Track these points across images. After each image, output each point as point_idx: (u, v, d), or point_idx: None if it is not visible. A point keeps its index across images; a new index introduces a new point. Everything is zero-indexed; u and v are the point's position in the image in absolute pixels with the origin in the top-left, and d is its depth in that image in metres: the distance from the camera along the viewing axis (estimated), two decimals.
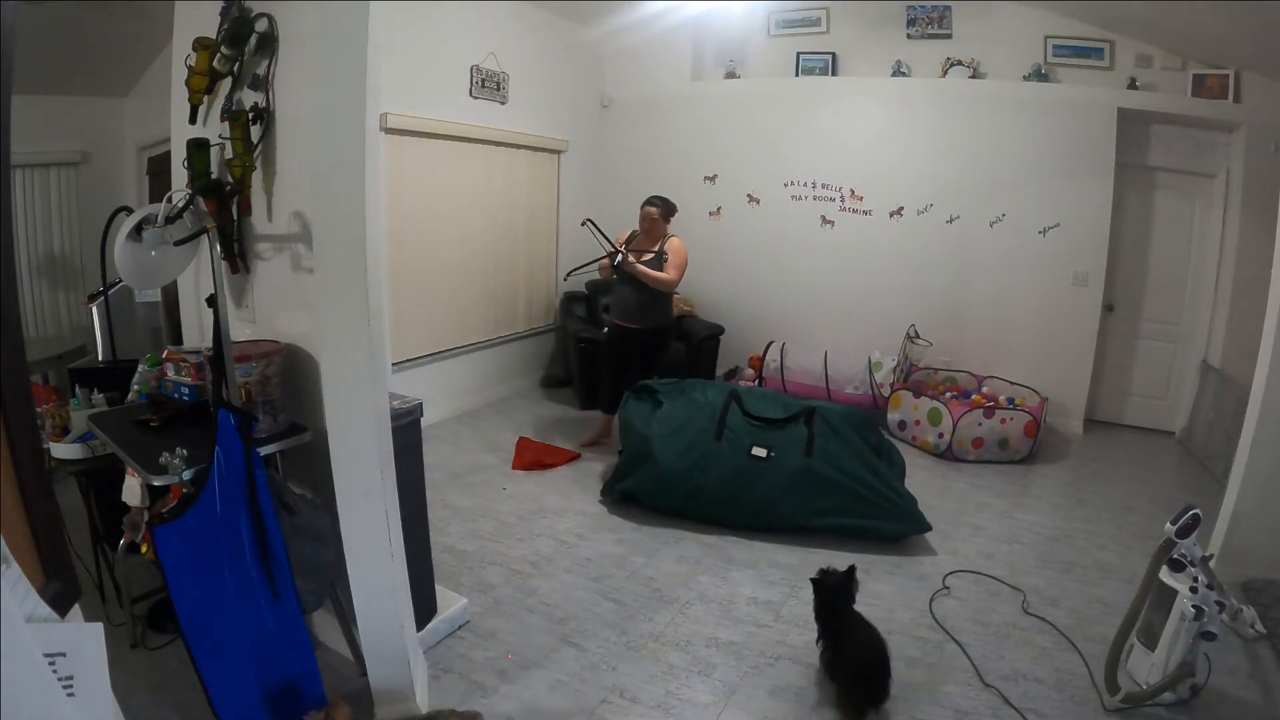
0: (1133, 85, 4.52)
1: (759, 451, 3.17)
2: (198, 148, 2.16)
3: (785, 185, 5.41)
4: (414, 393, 2.28)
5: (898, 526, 3.06)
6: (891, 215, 5.14)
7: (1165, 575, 2.17)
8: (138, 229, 1.88)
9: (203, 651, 1.71)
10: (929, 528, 3.07)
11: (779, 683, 2.23)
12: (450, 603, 2.47)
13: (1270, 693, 2.22)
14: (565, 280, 4.68)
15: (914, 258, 5.10)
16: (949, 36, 4.96)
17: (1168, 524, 2.08)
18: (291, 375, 2.06)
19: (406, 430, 2.12)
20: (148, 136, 4.36)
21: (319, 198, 1.74)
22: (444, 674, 2.22)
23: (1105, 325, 4.87)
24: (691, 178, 5.66)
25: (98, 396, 2.48)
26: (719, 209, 5.66)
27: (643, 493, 3.36)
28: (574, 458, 4.11)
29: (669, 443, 3.25)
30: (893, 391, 4.63)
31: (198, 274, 2.50)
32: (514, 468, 3.98)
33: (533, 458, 4.05)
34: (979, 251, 4.95)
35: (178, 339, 3.01)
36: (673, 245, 4.01)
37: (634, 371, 3.99)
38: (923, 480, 3.78)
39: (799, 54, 5.36)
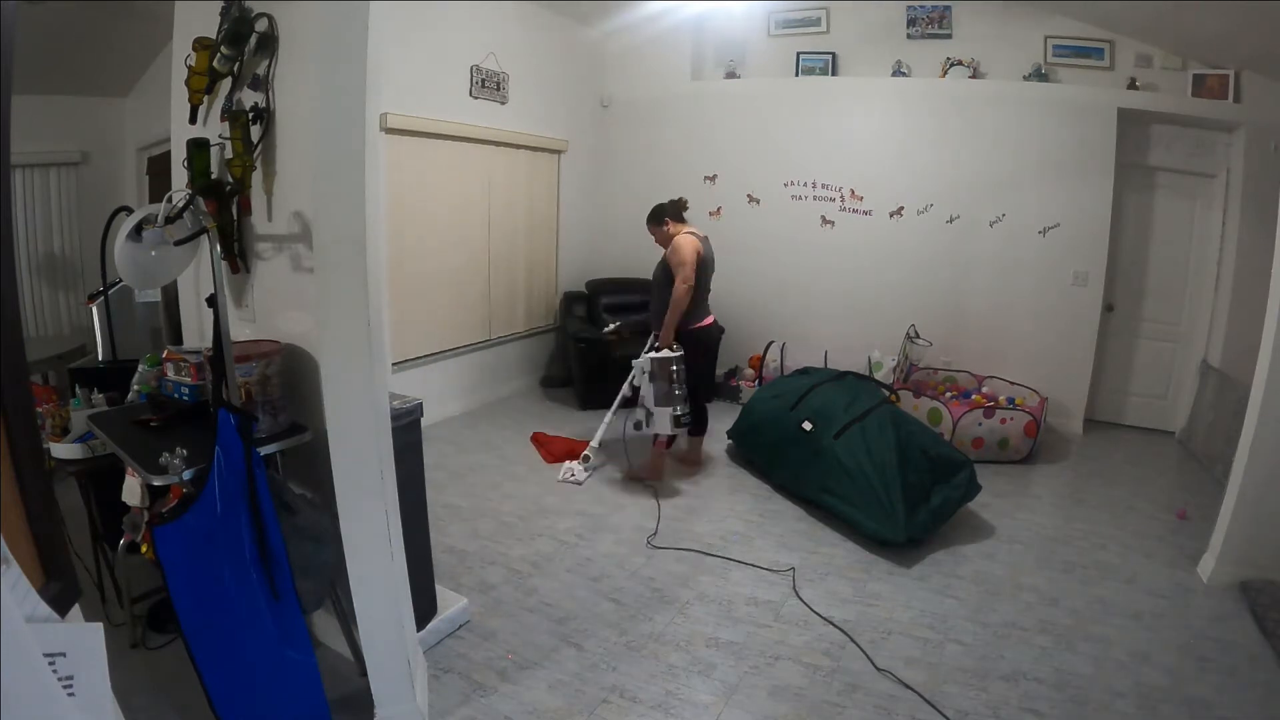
0: (1133, 85, 4.52)
1: (806, 425, 3.53)
2: (198, 148, 2.16)
3: (785, 185, 5.41)
4: (414, 393, 2.28)
5: (874, 525, 3.06)
6: (891, 215, 5.14)
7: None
8: (138, 229, 1.87)
9: (203, 651, 1.71)
10: (900, 540, 2.99)
11: (779, 683, 2.23)
12: (450, 603, 2.48)
13: (1271, 692, 2.22)
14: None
15: (914, 258, 5.10)
16: (949, 36, 4.96)
17: None
18: (291, 375, 2.06)
19: (406, 430, 2.12)
20: (148, 136, 4.37)
21: (319, 198, 1.74)
22: (444, 674, 2.22)
23: (1105, 325, 4.87)
24: (691, 178, 5.66)
25: (98, 396, 2.48)
26: (719, 209, 5.66)
27: (736, 435, 4.18)
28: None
29: (763, 404, 3.96)
30: (892, 391, 4.63)
31: (198, 274, 2.50)
32: (548, 462, 4.00)
33: (566, 449, 4.09)
34: (979, 251, 4.95)
35: (178, 339, 3.01)
36: (673, 246, 3.66)
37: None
38: None
39: (799, 54, 5.36)
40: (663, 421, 3.51)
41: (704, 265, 3.67)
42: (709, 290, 3.81)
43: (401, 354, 4.37)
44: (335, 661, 2.21)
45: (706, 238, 3.79)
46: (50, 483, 1.05)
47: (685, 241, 3.63)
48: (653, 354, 3.55)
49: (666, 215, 3.78)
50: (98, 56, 4.07)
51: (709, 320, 3.82)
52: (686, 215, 3.87)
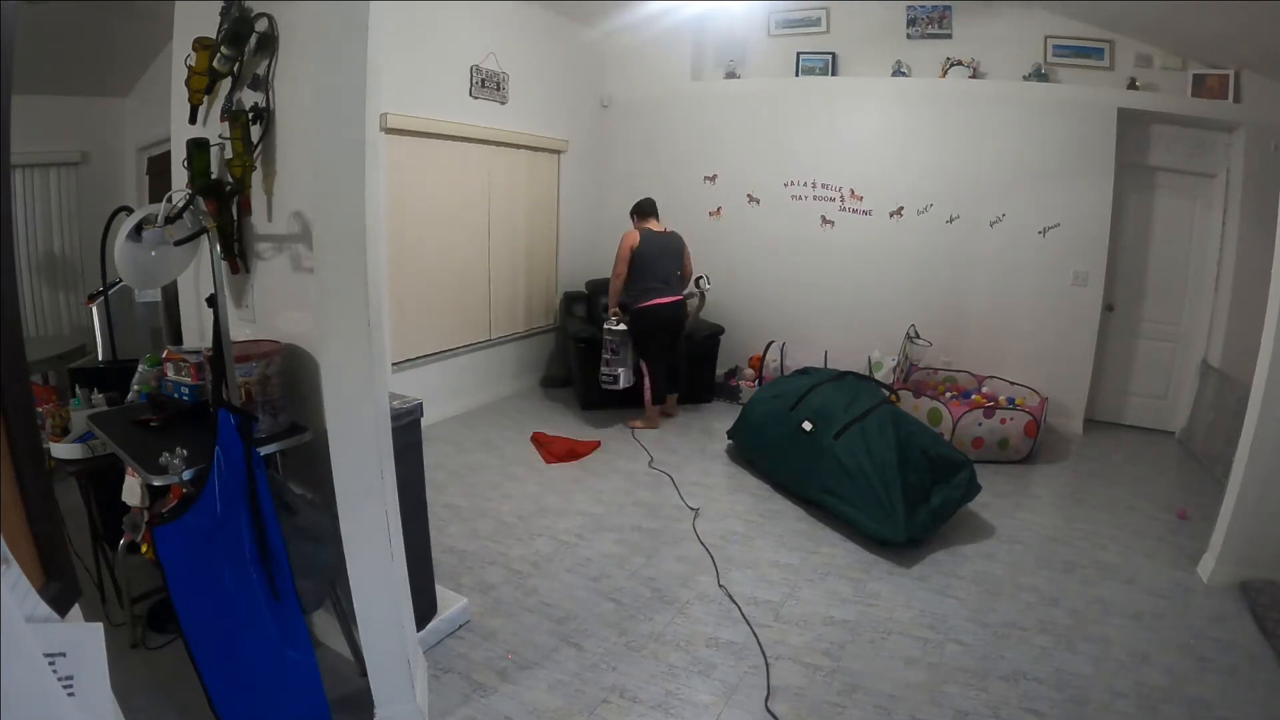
0: (1133, 85, 4.52)
1: (806, 425, 3.53)
2: (198, 148, 2.16)
3: (785, 185, 5.41)
4: (414, 393, 2.28)
5: (874, 525, 3.06)
6: (891, 215, 5.14)
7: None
8: (138, 229, 1.87)
9: (203, 651, 1.71)
10: (900, 540, 2.99)
11: (779, 683, 2.23)
12: (450, 603, 2.48)
13: (1271, 692, 2.22)
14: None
15: (914, 258, 5.10)
16: (949, 36, 4.96)
17: None
18: (291, 375, 2.06)
19: (406, 430, 2.12)
20: (148, 136, 4.37)
21: (319, 198, 1.74)
22: (444, 674, 2.22)
23: (1105, 325, 4.87)
24: (691, 178, 5.67)
25: (98, 396, 2.48)
26: (719, 209, 5.66)
27: (736, 434, 4.19)
28: (597, 445, 4.27)
29: (763, 405, 3.96)
30: (892, 391, 4.63)
31: (198, 274, 2.50)
32: (548, 462, 4.02)
33: (566, 449, 4.12)
34: (979, 251, 4.95)
35: (178, 339, 3.01)
36: (621, 240, 4.47)
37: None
38: None
39: (799, 54, 5.36)
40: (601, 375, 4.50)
41: (640, 257, 4.37)
42: (655, 277, 4.42)
43: (401, 354, 4.37)
44: (335, 661, 2.21)
45: (666, 232, 4.52)
46: (50, 483, 1.05)
47: (624, 239, 4.43)
48: (605, 325, 4.47)
49: (633, 212, 4.62)
50: (98, 56, 4.07)
51: (651, 302, 4.40)
52: (678, 222, 4.57)
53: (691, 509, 3.46)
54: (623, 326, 4.42)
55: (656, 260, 4.42)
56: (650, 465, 4.02)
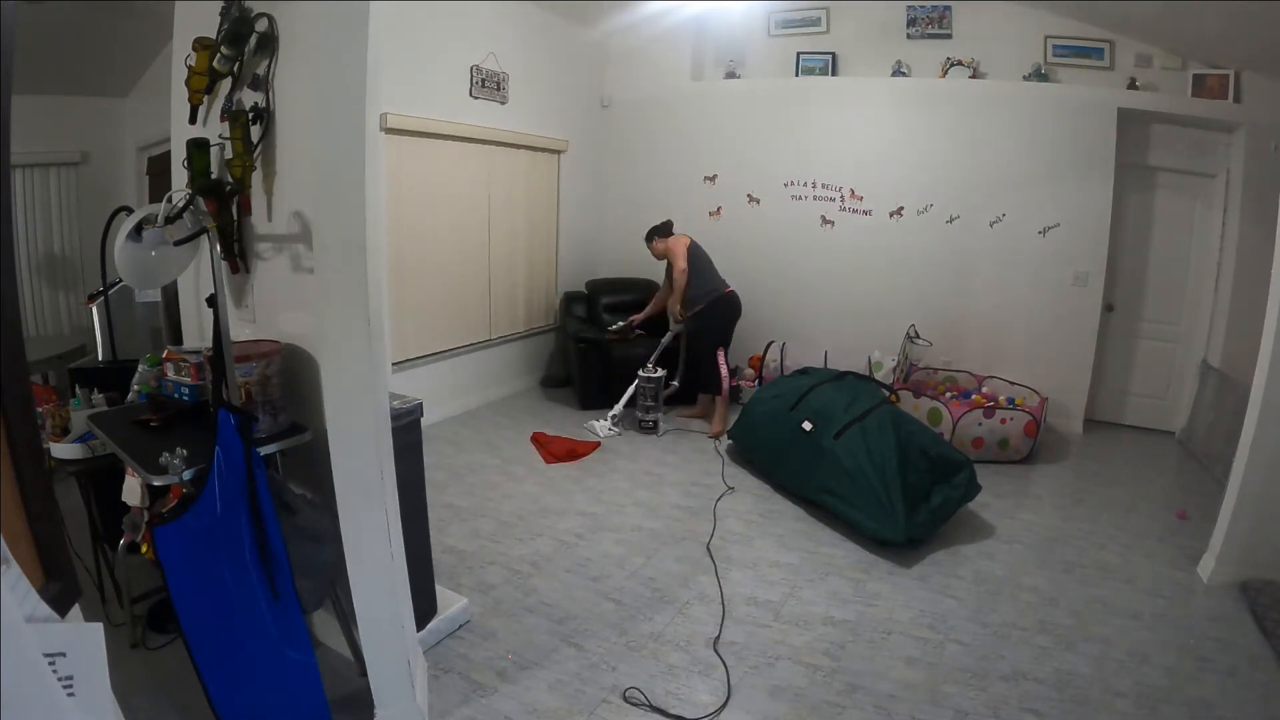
0: (1133, 85, 4.52)
1: (806, 425, 3.53)
2: (198, 148, 2.16)
3: (785, 185, 5.41)
4: (414, 393, 2.28)
5: (874, 525, 3.06)
6: (891, 215, 5.14)
7: None
8: (138, 229, 1.87)
9: (203, 651, 1.71)
10: (900, 540, 2.99)
11: (779, 683, 2.23)
12: (450, 603, 2.48)
13: (1271, 692, 2.22)
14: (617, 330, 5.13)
15: (914, 258, 5.10)
16: (949, 36, 4.96)
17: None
18: (291, 375, 2.06)
19: (406, 430, 2.12)
20: (148, 136, 4.36)
21: (319, 198, 1.74)
22: (444, 674, 2.22)
23: (1105, 325, 4.87)
24: (691, 178, 5.67)
25: (98, 396, 2.48)
26: (719, 209, 5.66)
27: (736, 434, 4.20)
28: (597, 446, 4.27)
29: (763, 404, 3.97)
30: (892, 391, 4.62)
31: (198, 274, 2.50)
32: (547, 462, 4.02)
33: (566, 449, 4.12)
34: (979, 251, 4.95)
35: (178, 339, 3.01)
36: (669, 251, 4.68)
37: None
38: None
39: (799, 54, 5.36)
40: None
41: (695, 252, 4.59)
42: (715, 269, 4.66)
43: (401, 354, 4.37)
44: (335, 661, 2.21)
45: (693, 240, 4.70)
46: (50, 483, 1.05)
47: (676, 244, 4.62)
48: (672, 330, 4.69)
49: (655, 234, 4.75)
50: (98, 56, 4.07)
51: (730, 289, 4.63)
52: (678, 222, 4.79)
53: (729, 487, 3.75)
54: (679, 328, 4.68)
55: (707, 255, 4.68)
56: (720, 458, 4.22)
